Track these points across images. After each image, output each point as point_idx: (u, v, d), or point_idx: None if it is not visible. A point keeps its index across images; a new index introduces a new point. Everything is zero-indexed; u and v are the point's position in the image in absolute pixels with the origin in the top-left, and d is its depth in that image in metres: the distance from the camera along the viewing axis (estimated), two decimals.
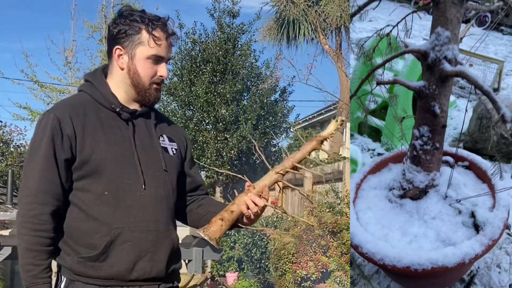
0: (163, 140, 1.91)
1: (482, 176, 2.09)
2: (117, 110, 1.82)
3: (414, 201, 2.10)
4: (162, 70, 1.84)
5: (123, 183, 1.77)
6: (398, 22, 2.19)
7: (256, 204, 1.78)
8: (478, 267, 2.27)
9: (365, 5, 2.11)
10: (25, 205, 1.74)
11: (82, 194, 1.78)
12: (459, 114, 4.35)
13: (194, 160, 2.09)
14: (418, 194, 2.08)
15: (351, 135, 4.34)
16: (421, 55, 1.88)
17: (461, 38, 2.03)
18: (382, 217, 2.10)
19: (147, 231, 1.78)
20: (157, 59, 1.82)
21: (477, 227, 1.95)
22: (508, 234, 2.48)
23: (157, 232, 1.80)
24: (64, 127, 1.75)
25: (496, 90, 4.99)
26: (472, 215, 1.98)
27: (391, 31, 2.23)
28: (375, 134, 4.21)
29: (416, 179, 2.05)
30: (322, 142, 1.83)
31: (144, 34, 1.80)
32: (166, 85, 12.34)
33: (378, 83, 2.15)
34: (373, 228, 2.03)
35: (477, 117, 3.59)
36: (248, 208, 1.79)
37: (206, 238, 1.73)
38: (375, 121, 4.07)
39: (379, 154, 3.98)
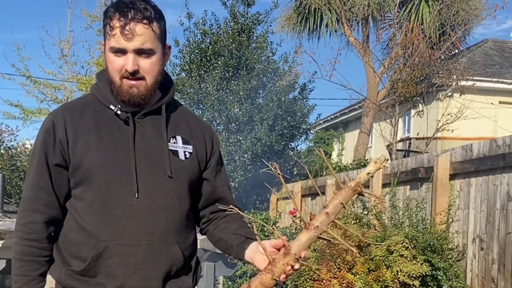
0: (174, 142, 1.88)
1: None
2: (114, 110, 1.82)
3: None
4: (126, 62, 1.76)
5: (113, 191, 1.77)
6: None
7: (293, 269, 1.69)
8: None
9: None
10: (19, 213, 1.82)
11: (76, 202, 1.82)
12: None
13: (223, 167, 2.04)
14: None
15: None
16: None
17: None
18: None
19: (138, 245, 1.76)
20: (118, 51, 1.77)
21: None
22: None
23: (150, 247, 1.78)
24: (56, 130, 1.80)
25: None
26: None
27: None
28: None
29: None
30: (359, 190, 1.70)
31: (107, 25, 1.79)
32: (173, 81, 12.40)
33: None
34: None
35: None
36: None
37: None
38: None
39: None
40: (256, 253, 1.80)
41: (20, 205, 1.84)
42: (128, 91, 1.80)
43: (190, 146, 1.91)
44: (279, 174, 1.75)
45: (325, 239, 1.76)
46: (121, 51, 1.76)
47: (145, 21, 1.76)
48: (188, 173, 1.89)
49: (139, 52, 1.77)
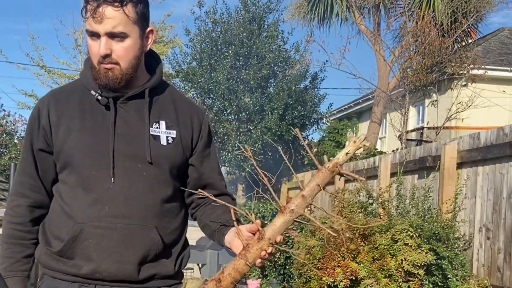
0: (157, 127, 1.87)
1: None
2: (95, 95, 1.83)
3: None
4: (100, 46, 1.76)
5: (91, 176, 1.80)
6: None
7: (268, 253, 1.64)
8: None
9: None
10: (9, 197, 1.92)
11: (61, 185, 1.87)
12: None
13: (212, 152, 2.01)
14: None
15: None
16: None
17: None
18: None
19: (113, 228, 1.78)
20: (92, 35, 1.77)
21: None
22: None
23: (125, 231, 1.79)
24: (41, 116, 1.86)
25: None
26: None
27: None
28: None
29: None
30: (337, 171, 1.63)
31: (83, 8, 1.79)
32: (183, 70, 12.41)
33: None
34: None
35: None
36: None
37: None
38: None
39: None
40: (234, 238, 1.79)
41: (11, 189, 1.93)
42: (104, 75, 1.80)
43: (174, 131, 1.90)
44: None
45: (301, 222, 1.71)
46: (95, 35, 1.76)
47: (116, 4, 1.74)
48: (169, 158, 1.88)
49: (111, 35, 1.76)
